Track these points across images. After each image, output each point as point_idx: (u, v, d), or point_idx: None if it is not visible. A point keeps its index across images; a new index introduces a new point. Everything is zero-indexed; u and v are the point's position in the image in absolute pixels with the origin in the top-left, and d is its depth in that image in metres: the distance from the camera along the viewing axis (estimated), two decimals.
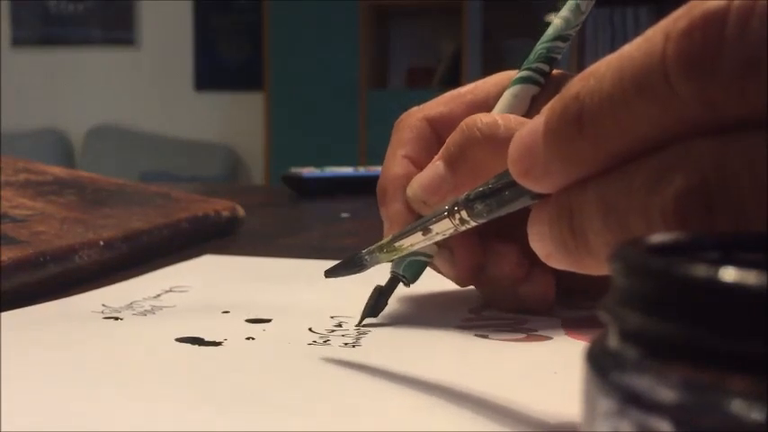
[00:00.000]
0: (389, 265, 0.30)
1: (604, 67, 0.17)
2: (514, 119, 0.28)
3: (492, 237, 0.31)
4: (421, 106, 0.34)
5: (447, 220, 0.24)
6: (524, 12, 3.17)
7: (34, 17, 3.76)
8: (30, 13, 3.75)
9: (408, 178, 0.31)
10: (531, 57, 0.31)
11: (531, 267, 0.31)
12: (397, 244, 0.27)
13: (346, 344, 0.27)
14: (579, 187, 0.18)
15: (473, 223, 0.23)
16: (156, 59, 3.70)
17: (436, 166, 0.30)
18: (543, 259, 0.20)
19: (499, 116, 0.28)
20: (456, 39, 3.14)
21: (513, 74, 0.32)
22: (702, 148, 0.16)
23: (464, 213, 0.23)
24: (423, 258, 0.31)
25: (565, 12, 0.31)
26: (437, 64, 3.23)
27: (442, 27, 3.25)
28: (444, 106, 0.33)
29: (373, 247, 0.28)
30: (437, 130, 0.33)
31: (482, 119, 0.28)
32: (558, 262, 0.19)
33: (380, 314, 0.31)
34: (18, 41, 3.78)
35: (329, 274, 0.29)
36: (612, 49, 0.17)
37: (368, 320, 0.30)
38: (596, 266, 0.18)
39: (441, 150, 0.30)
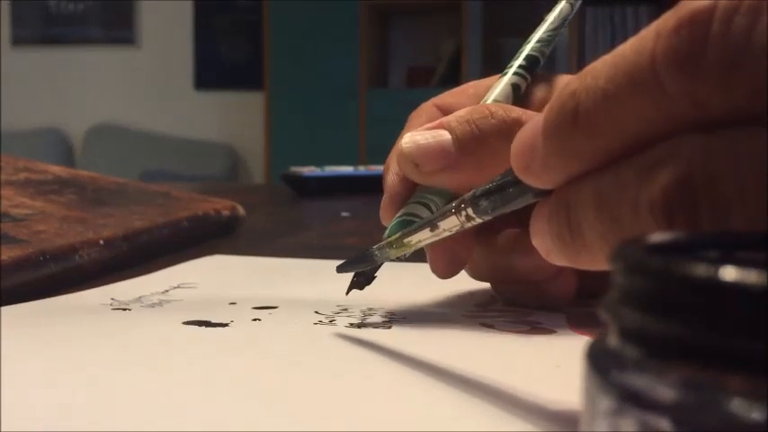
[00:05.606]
0: (395, 263, 0.30)
1: (600, 65, 0.17)
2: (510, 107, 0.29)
3: (521, 232, 0.30)
4: (431, 98, 0.35)
5: (454, 216, 0.25)
6: (524, 11, 3.17)
7: (34, 17, 3.76)
8: (30, 12, 3.75)
9: None
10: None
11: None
12: (405, 240, 0.28)
13: (352, 324, 0.28)
14: (577, 182, 0.19)
15: (479, 220, 0.24)
16: (156, 59, 3.70)
17: (439, 133, 0.29)
18: (544, 256, 0.21)
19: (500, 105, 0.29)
20: (456, 38, 3.14)
21: None
22: (690, 143, 0.16)
23: (470, 210, 0.24)
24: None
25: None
26: (437, 63, 3.23)
27: (442, 26, 3.25)
28: (452, 97, 0.34)
29: (383, 243, 0.29)
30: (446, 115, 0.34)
31: (489, 105, 0.29)
32: (557, 257, 0.20)
33: (375, 300, 0.31)
34: (18, 41, 3.78)
35: (341, 269, 0.30)
36: (612, 48, 0.18)
37: (371, 307, 0.30)
38: (592, 261, 0.19)
39: (443, 118, 0.29)
